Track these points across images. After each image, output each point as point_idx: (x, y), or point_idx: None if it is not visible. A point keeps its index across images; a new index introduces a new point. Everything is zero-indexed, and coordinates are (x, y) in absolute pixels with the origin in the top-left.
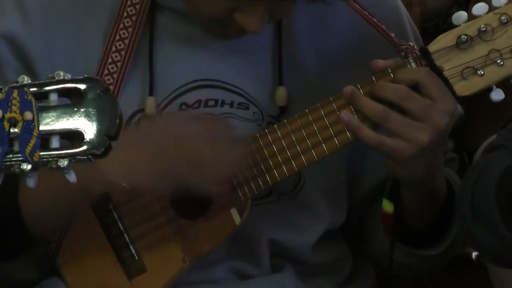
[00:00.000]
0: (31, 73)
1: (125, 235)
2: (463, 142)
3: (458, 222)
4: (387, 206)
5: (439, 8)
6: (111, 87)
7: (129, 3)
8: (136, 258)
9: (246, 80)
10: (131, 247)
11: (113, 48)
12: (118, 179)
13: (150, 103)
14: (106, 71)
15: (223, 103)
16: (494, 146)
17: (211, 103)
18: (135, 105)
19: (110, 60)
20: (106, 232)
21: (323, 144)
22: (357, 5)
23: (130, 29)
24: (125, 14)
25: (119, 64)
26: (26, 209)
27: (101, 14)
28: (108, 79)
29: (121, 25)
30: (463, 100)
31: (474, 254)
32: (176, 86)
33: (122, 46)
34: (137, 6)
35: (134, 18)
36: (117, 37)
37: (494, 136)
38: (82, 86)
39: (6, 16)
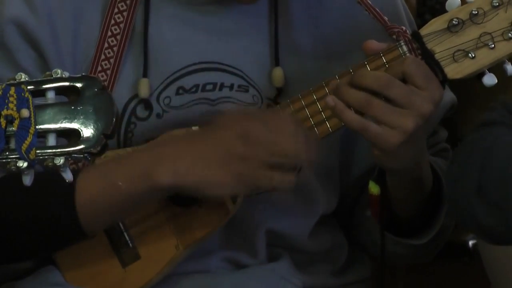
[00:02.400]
0: (42, 57)
1: (120, 223)
2: (457, 129)
3: (453, 200)
4: (373, 188)
5: None
6: (109, 72)
7: None
8: (130, 245)
9: (244, 61)
10: (125, 234)
11: (109, 33)
12: (185, 174)
13: (144, 85)
14: (103, 56)
15: (222, 86)
16: (490, 121)
17: (209, 87)
18: (132, 90)
19: (106, 45)
20: None
21: (316, 129)
22: None
23: (125, 13)
24: None
25: (115, 48)
26: (82, 207)
27: None
28: (105, 64)
29: (116, 10)
30: (456, 88)
31: (471, 242)
32: (173, 70)
33: (118, 30)
34: None
35: (128, 2)
36: (112, 22)
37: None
38: (79, 85)
39: (11, 1)
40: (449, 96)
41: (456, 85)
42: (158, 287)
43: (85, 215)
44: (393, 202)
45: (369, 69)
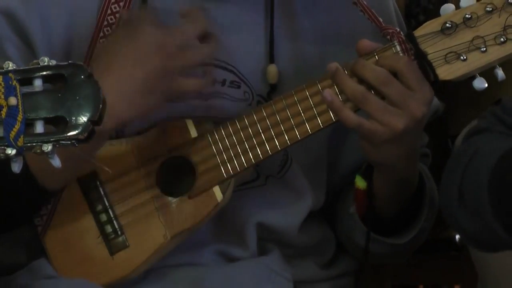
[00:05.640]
0: (30, 49)
1: (110, 211)
2: (447, 128)
3: (432, 211)
4: (360, 182)
5: None
6: None
7: None
8: (119, 233)
9: (238, 58)
10: (114, 222)
11: (105, 23)
12: (122, 112)
13: None
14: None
15: (214, 81)
16: (477, 130)
17: None
18: None
19: (101, 34)
20: (91, 208)
21: (307, 124)
22: None
23: (121, 3)
24: None
25: None
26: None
27: None
28: None
29: (112, 0)
30: (447, 88)
31: (458, 237)
32: None
33: (114, 20)
34: None
35: None
36: (109, 11)
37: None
38: (66, 72)
39: None
40: (434, 101)
41: (447, 84)
42: (151, 278)
43: (39, 171)
44: (377, 201)
45: None
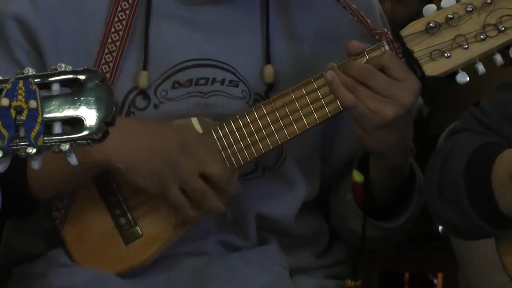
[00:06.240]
0: (39, 54)
1: (123, 204)
2: (429, 127)
3: (421, 198)
4: (357, 176)
5: (407, 15)
6: (111, 65)
7: None
8: (133, 224)
9: (236, 59)
10: (128, 214)
11: (112, 29)
12: (116, 158)
13: (143, 77)
14: (106, 50)
15: (214, 81)
16: (457, 129)
17: (202, 81)
18: (132, 82)
19: (110, 40)
20: (105, 202)
21: (304, 119)
22: None
23: (127, 11)
24: None
25: (117, 43)
26: (32, 174)
27: None
28: (108, 57)
29: (119, 8)
30: (429, 91)
31: (441, 228)
32: (170, 65)
33: (120, 27)
34: None
35: (130, 1)
36: (116, 19)
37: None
38: (82, 77)
39: None
40: (418, 99)
41: (429, 88)
42: (158, 266)
43: (34, 181)
44: (372, 187)
45: None
